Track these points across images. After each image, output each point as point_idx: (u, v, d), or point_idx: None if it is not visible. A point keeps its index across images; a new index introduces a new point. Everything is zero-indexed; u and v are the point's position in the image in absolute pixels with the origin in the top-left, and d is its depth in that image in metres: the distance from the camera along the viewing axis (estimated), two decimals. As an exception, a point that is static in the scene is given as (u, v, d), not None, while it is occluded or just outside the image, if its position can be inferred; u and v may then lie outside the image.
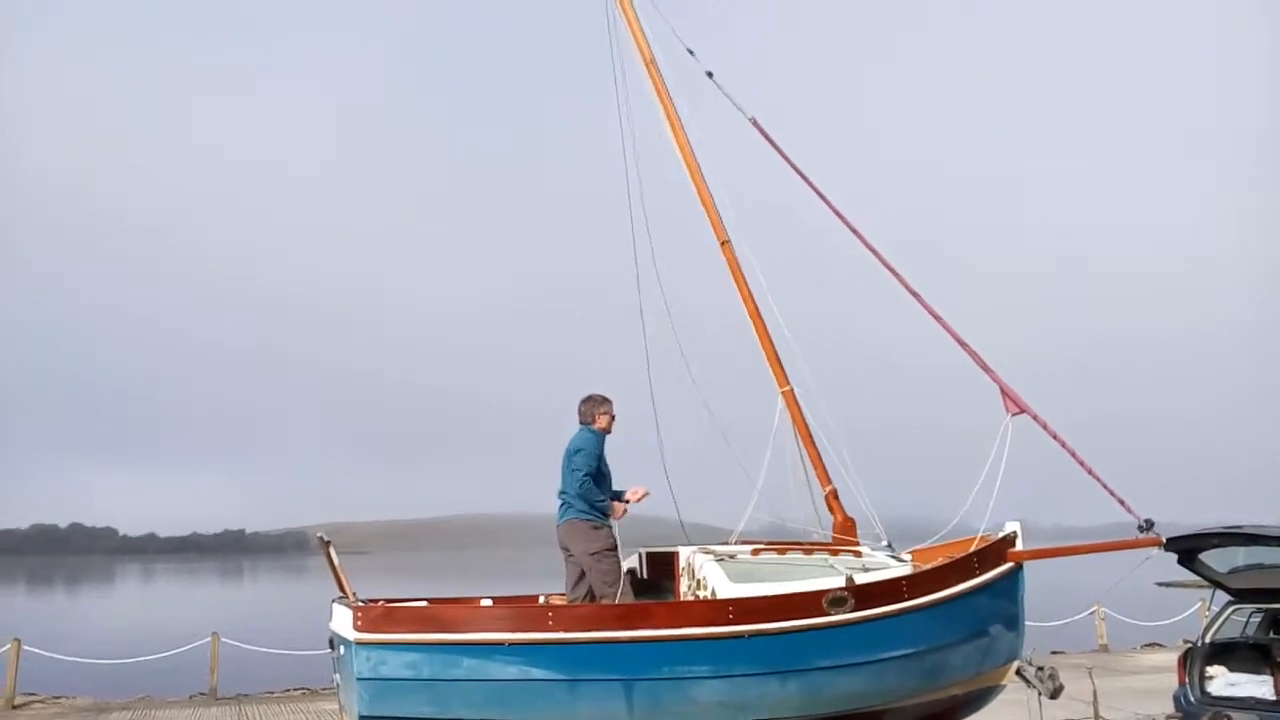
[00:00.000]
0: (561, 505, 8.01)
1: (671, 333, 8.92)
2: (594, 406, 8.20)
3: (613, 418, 8.24)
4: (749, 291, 9.09)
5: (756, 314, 9.04)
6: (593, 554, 7.79)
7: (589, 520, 7.84)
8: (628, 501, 8.14)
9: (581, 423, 8.19)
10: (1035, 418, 8.32)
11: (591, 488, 7.85)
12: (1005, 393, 8.40)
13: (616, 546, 7.86)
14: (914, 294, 8.97)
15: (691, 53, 9.40)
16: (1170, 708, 9.44)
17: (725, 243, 9.14)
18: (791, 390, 8.86)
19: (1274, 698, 8.74)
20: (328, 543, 7.21)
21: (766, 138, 9.34)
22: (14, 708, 15.06)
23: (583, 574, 7.89)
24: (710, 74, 9.44)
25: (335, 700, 7.74)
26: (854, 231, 9.14)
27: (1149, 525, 8.13)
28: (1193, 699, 9.33)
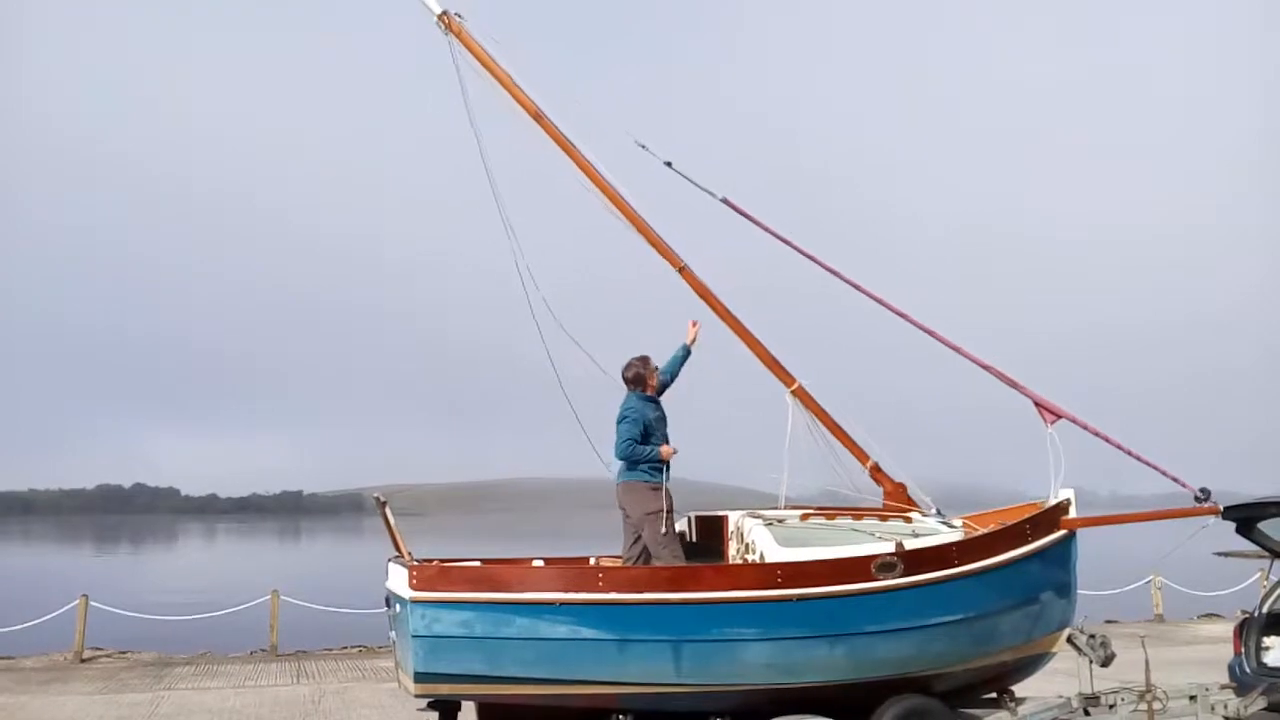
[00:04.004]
0: (621, 466, 8.11)
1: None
2: (642, 368, 8.27)
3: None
4: (724, 306, 8.75)
5: (738, 324, 8.73)
6: (649, 514, 7.88)
7: (646, 481, 7.94)
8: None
9: (631, 387, 8.24)
10: (1074, 420, 8.15)
11: (634, 448, 7.94)
12: (1039, 405, 8.20)
13: (672, 508, 7.92)
14: (929, 331, 8.64)
15: (644, 146, 8.86)
16: (1226, 678, 9.34)
17: (683, 269, 8.77)
18: (801, 387, 8.62)
19: None
20: (384, 503, 7.37)
21: (742, 213, 8.88)
22: (82, 661, 15.62)
23: (639, 534, 8.00)
24: (669, 163, 8.90)
25: (391, 657, 7.91)
26: (858, 288, 8.75)
27: (1206, 495, 8.03)
28: (1248, 669, 9.23)
